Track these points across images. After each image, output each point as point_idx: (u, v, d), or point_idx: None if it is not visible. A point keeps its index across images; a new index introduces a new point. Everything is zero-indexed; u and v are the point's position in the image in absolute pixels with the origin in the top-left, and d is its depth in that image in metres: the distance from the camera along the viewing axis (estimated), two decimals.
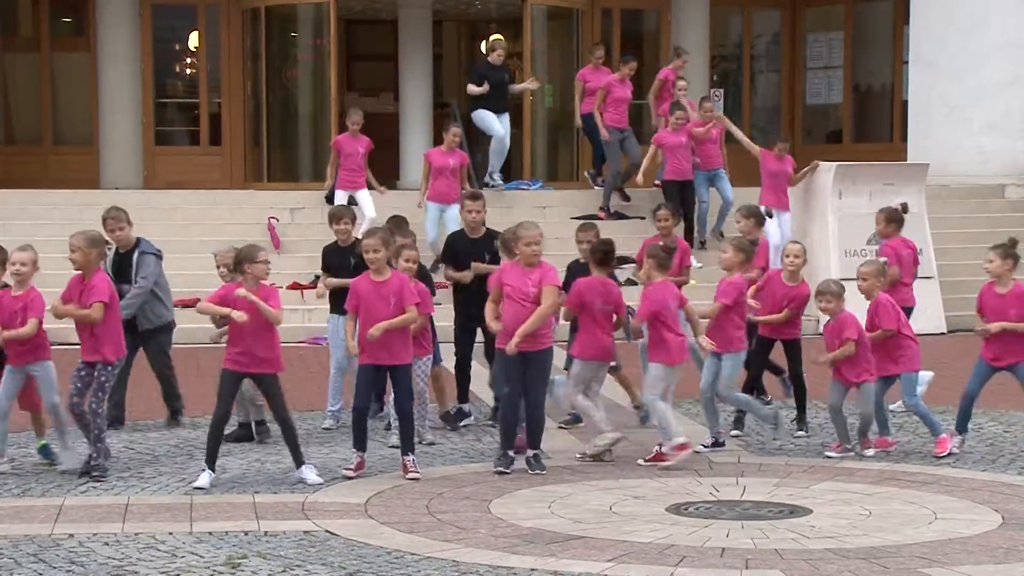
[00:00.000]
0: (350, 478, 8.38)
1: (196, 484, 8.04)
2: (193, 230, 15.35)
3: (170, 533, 7.02)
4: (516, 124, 19.77)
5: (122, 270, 9.71)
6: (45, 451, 8.75)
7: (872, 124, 21.78)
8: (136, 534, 6.99)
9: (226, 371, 8.28)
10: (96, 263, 8.59)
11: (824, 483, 8.43)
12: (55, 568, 6.52)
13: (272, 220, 14.72)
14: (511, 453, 8.48)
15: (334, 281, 9.44)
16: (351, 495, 7.98)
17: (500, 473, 8.45)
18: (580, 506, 7.71)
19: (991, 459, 9.07)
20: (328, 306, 9.75)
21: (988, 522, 7.27)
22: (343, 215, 10.15)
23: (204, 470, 8.11)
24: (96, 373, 8.45)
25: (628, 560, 6.47)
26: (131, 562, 6.58)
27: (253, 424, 9.47)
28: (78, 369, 8.52)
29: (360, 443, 8.40)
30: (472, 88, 15.58)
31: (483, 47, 20.47)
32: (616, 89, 15.66)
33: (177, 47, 21.18)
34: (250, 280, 8.26)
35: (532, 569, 6.39)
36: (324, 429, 9.60)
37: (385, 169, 18.63)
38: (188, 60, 21.18)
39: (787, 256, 10.35)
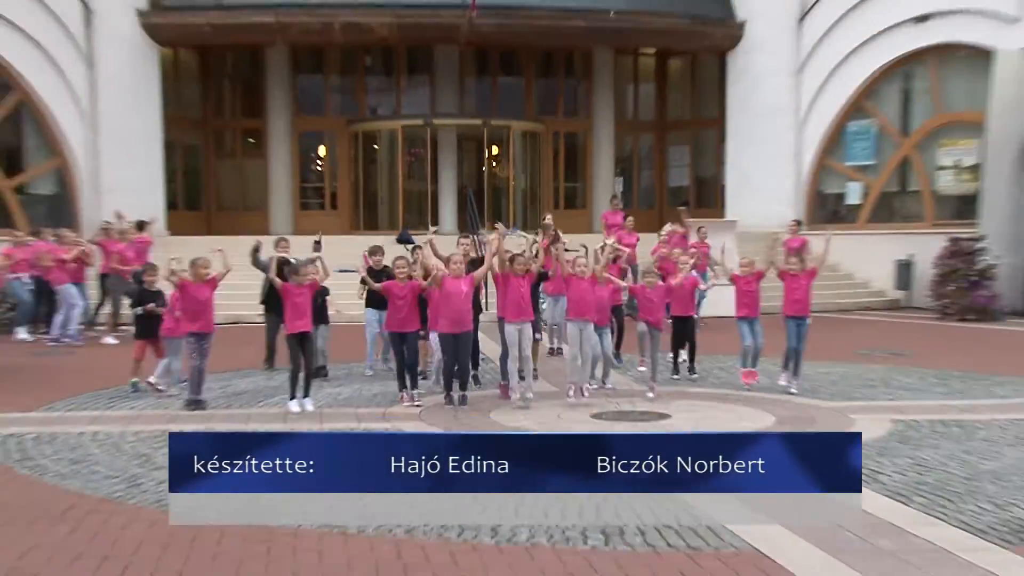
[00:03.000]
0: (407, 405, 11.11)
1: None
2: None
3: (306, 426, 9.69)
4: (503, 197, 27.40)
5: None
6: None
7: (707, 198, 28.32)
8: (287, 428, 9.46)
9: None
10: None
11: (679, 401, 11.56)
12: None
13: (364, 253, 14.83)
14: (451, 394, 11.23)
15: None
16: (411, 409, 11.08)
17: (448, 401, 11.14)
18: (543, 416, 10.52)
19: (830, 392, 12.03)
20: (364, 302, 13.07)
21: (767, 420, 10.39)
22: (377, 251, 13.06)
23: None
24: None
25: None
26: None
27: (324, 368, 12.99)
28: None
29: (402, 381, 11.26)
30: None
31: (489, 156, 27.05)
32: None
33: (312, 155, 28.83)
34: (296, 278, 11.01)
35: None
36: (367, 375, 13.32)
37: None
38: (319, 162, 28.74)
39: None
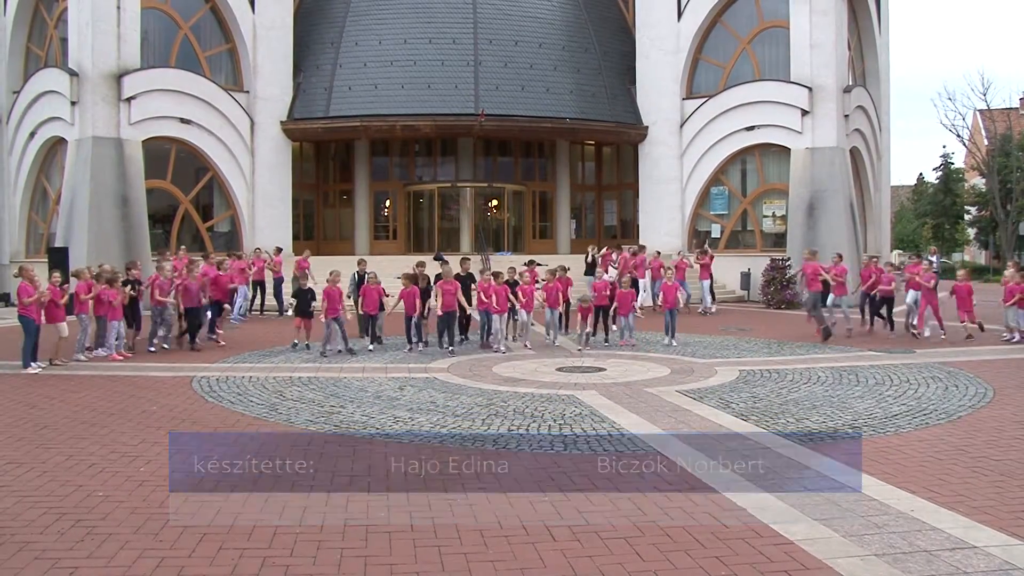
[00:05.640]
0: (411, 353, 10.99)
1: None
2: (388, 269, 17.20)
3: (377, 376, 9.39)
4: (501, 232, 26.08)
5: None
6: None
7: (628, 232, 26.89)
8: (366, 376, 9.26)
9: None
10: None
11: (612, 359, 10.99)
12: (325, 387, 8.46)
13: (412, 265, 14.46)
14: (446, 347, 11.50)
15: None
16: (443, 364, 10.41)
17: (451, 352, 11.18)
18: (525, 369, 9.87)
19: (703, 354, 11.33)
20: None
21: (664, 370, 9.97)
22: (422, 264, 12.90)
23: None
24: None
25: (542, 387, 8.43)
26: (363, 385, 8.60)
27: (378, 337, 11.86)
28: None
29: (410, 339, 11.52)
30: None
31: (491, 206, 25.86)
32: None
33: (382, 205, 27.26)
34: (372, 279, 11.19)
35: (507, 389, 8.19)
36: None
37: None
38: (385, 209, 27.30)
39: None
